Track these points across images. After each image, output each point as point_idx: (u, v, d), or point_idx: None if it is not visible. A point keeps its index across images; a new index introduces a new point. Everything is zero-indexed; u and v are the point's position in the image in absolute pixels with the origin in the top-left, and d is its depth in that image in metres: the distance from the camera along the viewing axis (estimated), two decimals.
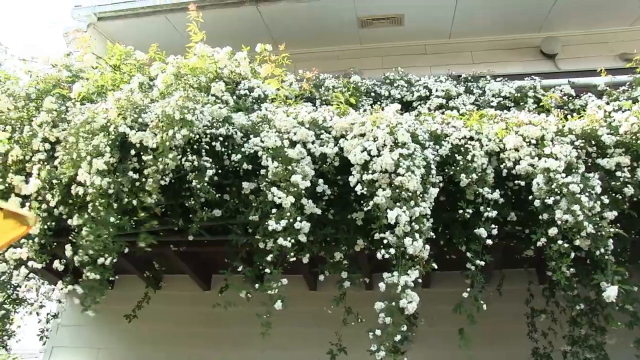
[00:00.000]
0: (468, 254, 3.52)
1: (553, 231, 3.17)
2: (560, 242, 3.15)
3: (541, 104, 4.71)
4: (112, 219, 3.26)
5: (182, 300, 5.60)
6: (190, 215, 3.59)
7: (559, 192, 3.21)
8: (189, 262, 5.15)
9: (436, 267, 3.23)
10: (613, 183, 3.45)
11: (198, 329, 5.51)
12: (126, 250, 3.57)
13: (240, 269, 3.84)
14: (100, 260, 3.23)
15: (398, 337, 3.04)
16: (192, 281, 5.56)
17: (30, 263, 3.47)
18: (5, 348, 4.63)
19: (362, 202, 3.37)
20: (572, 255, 3.15)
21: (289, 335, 5.00)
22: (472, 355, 4.31)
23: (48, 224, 3.57)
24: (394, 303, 3.05)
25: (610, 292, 3.02)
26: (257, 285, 3.43)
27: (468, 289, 3.45)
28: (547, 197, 3.23)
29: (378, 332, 3.09)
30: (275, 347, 5.11)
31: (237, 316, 5.16)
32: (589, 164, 3.55)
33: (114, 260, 3.34)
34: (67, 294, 3.66)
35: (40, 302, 3.90)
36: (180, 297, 5.59)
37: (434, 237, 3.34)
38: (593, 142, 3.62)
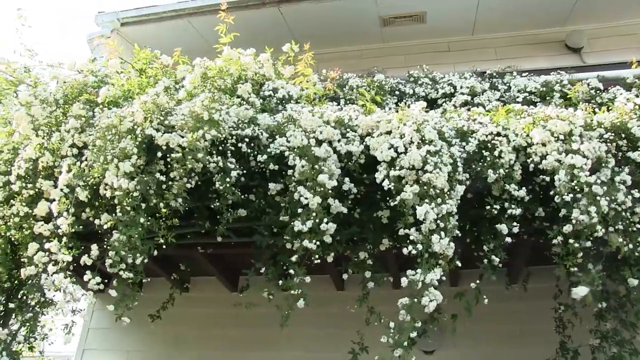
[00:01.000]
0: (484, 248, 3.49)
1: (567, 228, 3.12)
2: (571, 240, 3.11)
3: (568, 96, 4.63)
4: (141, 220, 3.30)
5: (209, 302, 5.65)
6: (218, 217, 3.60)
7: (579, 190, 3.16)
8: (215, 264, 5.19)
9: (460, 265, 3.18)
10: None
11: (225, 331, 5.55)
12: (155, 252, 3.59)
13: (262, 270, 3.84)
14: (130, 260, 3.25)
15: (414, 334, 3.01)
16: (219, 283, 5.61)
17: (60, 261, 3.49)
18: (41, 353, 4.73)
19: (388, 199, 3.35)
20: (579, 255, 3.11)
21: (316, 337, 5.01)
22: (501, 353, 4.29)
23: (76, 227, 3.60)
24: (415, 300, 3.02)
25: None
26: (280, 282, 3.41)
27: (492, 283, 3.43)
28: (567, 194, 3.17)
29: (392, 324, 3.08)
30: (302, 348, 5.15)
31: (264, 317, 5.16)
32: (619, 158, 3.49)
33: (145, 261, 3.37)
34: (96, 297, 3.69)
35: (73, 307, 3.94)
36: (207, 299, 5.63)
37: (459, 235, 3.31)
38: (623, 135, 3.55)
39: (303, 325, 3.40)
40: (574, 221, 3.10)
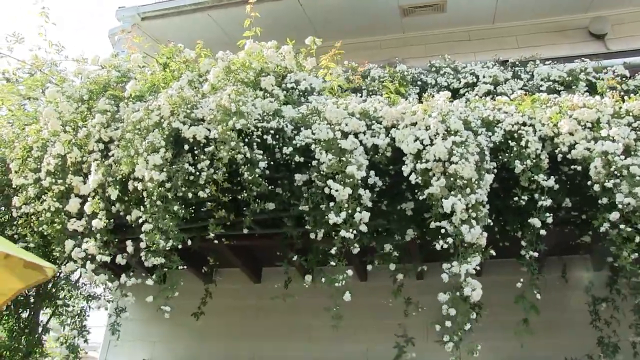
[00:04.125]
0: (522, 243, 3.46)
1: (615, 216, 3.08)
2: (622, 226, 3.07)
3: (597, 90, 4.57)
4: (175, 207, 3.38)
5: (233, 294, 5.69)
6: (244, 209, 3.63)
7: (618, 174, 3.12)
8: (239, 256, 5.23)
9: (494, 254, 3.18)
10: None
11: (249, 322, 5.60)
12: (189, 242, 3.69)
13: (295, 258, 3.86)
14: (162, 245, 3.32)
15: (468, 326, 3.02)
16: (242, 274, 5.65)
17: (98, 258, 3.57)
18: (86, 341, 4.83)
19: (415, 191, 3.35)
20: (637, 239, 3.06)
21: (339, 328, 5.01)
22: (534, 345, 4.26)
23: (108, 221, 3.67)
24: (458, 293, 3.02)
25: None
26: (323, 280, 3.42)
27: (521, 279, 3.42)
28: (607, 181, 3.14)
29: (448, 323, 3.06)
30: (324, 339, 5.15)
31: (287, 308, 5.22)
32: None
33: (179, 246, 3.44)
34: (124, 289, 3.76)
35: (109, 299, 4.00)
36: (231, 291, 5.67)
37: (491, 223, 3.30)
38: None
39: (326, 316, 3.40)
40: (620, 206, 3.06)
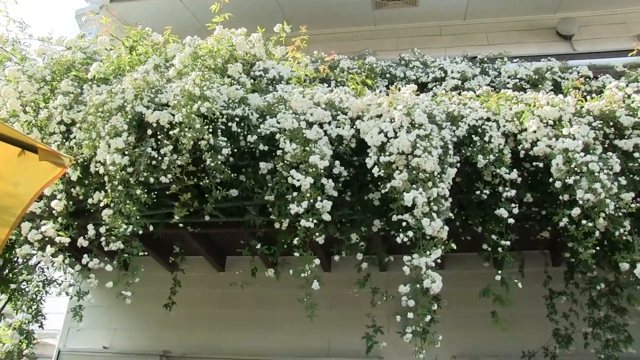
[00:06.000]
0: (492, 236, 3.51)
1: (576, 212, 3.14)
2: (583, 221, 3.13)
3: (561, 88, 4.65)
4: (138, 192, 3.34)
5: (196, 282, 5.64)
6: (206, 196, 3.60)
7: (578, 171, 3.18)
8: (203, 244, 5.19)
9: (455, 247, 3.21)
10: (630, 164, 3.42)
11: (212, 310, 5.58)
12: (151, 228, 3.66)
13: (258, 247, 3.86)
14: (124, 229, 3.28)
15: (428, 318, 3.05)
16: (206, 263, 5.61)
17: (57, 240, 3.50)
18: (41, 326, 4.74)
19: (379, 183, 3.37)
20: (597, 234, 3.13)
21: (303, 316, 5.01)
22: (493, 338, 4.33)
23: (69, 202, 3.60)
24: (418, 285, 3.05)
25: None
26: (291, 271, 3.42)
27: (499, 272, 3.46)
28: (567, 177, 3.20)
29: (410, 315, 3.08)
30: (287, 329, 5.17)
31: (251, 297, 5.23)
32: (606, 146, 3.52)
33: (140, 232, 3.41)
34: (86, 271, 3.70)
35: (70, 282, 3.91)
36: (194, 279, 5.62)
37: (452, 217, 3.34)
38: (611, 124, 3.58)
39: (289, 306, 3.41)
40: (580, 202, 3.12)
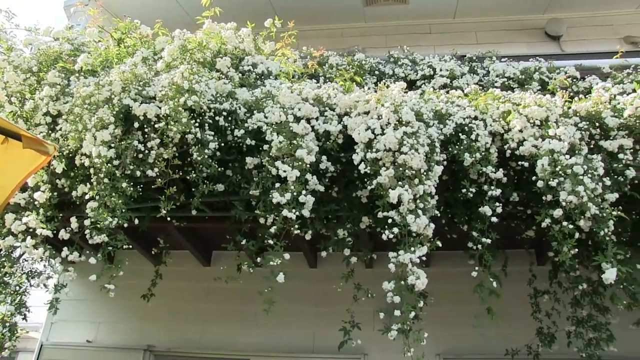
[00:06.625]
0: (474, 233, 3.53)
1: (558, 212, 3.16)
2: (564, 223, 3.16)
3: (548, 87, 4.68)
4: (124, 185, 3.32)
5: (181, 276, 5.64)
6: (192, 190, 3.59)
7: (563, 173, 3.21)
8: (189, 238, 5.18)
9: (440, 245, 3.23)
10: (615, 165, 3.45)
11: (197, 305, 5.56)
12: (136, 221, 3.66)
13: (243, 242, 3.85)
14: (109, 222, 3.26)
15: (412, 314, 3.05)
16: (192, 257, 5.60)
17: (39, 232, 3.48)
18: (24, 318, 4.69)
19: (365, 180, 3.37)
20: (577, 236, 3.16)
21: (288, 312, 5.03)
22: (477, 336, 4.36)
23: (53, 194, 3.58)
24: (402, 282, 3.05)
25: (610, 275, 3.03)
26: (259, 259, 3.42)
27: (476, 268, 3.47)
28: (551, 179, 3.22)
29: (397, 312, 3.09)
30: (271, 324, 5.16)
31: (236, 293, 5.22)
32: (592, 146, 3.55)
33: (125, 225, 3.39)
34: (66, 264, 3.68)
35: (49, 274, 3.89)
36: (180, 273, 5.62)
37: (438, 215, 3.35)
38: (597, 124, 3.61)
39: (275, 302, 3.40)
40: (563, 203, 3.15)
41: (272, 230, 3.26)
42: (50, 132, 3.70)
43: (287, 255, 3.31)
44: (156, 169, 3.41)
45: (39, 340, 5.71)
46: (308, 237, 3.58)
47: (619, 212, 3.20)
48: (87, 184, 3.45)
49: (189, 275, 5.70)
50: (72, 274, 3.46)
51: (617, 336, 3.90)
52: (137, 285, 5.03)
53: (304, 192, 3.20)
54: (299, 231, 3.35)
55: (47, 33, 4.34)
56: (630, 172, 3.37)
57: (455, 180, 3.69)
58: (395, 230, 3.10)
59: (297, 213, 3.18)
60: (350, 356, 4.74)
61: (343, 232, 3.78)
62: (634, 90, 3.80)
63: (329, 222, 3.85)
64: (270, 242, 3.31)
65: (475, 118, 3.65)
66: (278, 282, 3.25)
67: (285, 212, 3.16)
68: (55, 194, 3.64)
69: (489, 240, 3.47)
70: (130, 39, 4.40)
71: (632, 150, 3.47)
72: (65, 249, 3.45)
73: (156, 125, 3.37)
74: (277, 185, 3.25)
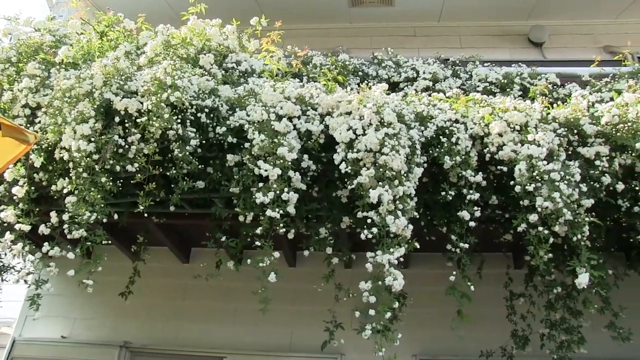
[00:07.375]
0: (452, 237, 3.56)
1: (534, 217, 3.21)
2: (540, 228, 3.20)
3: (529, 95, 4.73)
4: (103, 179, 3.29)
5: (160, 273, 5.60)
6: (172, 186, 3.58)
7: (540, 179, 3.25)
8: (168, 235, 5.15)
9: (418, 246, 3.25)
10: (592, 172, 3.50)
11: (175, 302, 5.54)
12: (116, 216, 3.65)
13: (223, 239, 3.84)
14: (88, 216, 3.24)
15: (388, 315, 3.07)
16: (171, 254, 5.56)
17: (17, 227, 3.44)
18: None
19: (346, 180, 3.38)
20: (551, 240, 3.21)
21: (266, 312, 5.02)
22: (452, 337, 4.39)
23: (31, 188, 3.54)
24: (380, 282, 3.07)
25: (582, 279, 3.08)
26: (249, 261, 3.40)
27: (454, 272, 3.51)
28: (529, 184, 3.27)
29: (372, 312, 3.10)
30: (248, 322, 5.17)
31: (214, 290, 5.20)
32: (570, 152, 3.60)
33: (104, 220, 3.37)
34: (46, 260, 3.63)
35: (28, 269, 3.83)
36: (158, 270, 5.57)
37: (417, 216, 3.37)
38: (575, 131, 3.66)
39: (253, 300, 3.40)
40: (539, 209, 3.19)
41: (258, 231, 3.27)
42: (29, 125, 3.65)
43: (276, 254, 3.33)
44: (136, 164, 3.38)
45: (11, 335, 5.63)
46: (291, 235, 3.58)
47: (593, 218, 3.25)
48: (66, 178, 3.41)
49: (167, 271, 5.66)
50: (53, 269, 3.43)
51: (588, 339, 3.99)
52: (115, 281, 4.96)
53: (286, 189, 3.20)
54: (283, 230, 3.35)
55: (28, 23, 4.28)
56: (606, 179, 3.43)
57: (435, 183, 3.72)
58: (375, 230, 3.12)
59: (281, 211, 3.18)
60: (328, 356, 4.74)
61: (325, 231, 3.79)
62: (612, 99, 3.86)
63: (309, 222, 3.85)
64: (258, 243, 3.31)
65: (456, 121, 3.68)
66: (259, 281, 3.26)
67: (269, 212, 3.16)
68: (34, 188, 3.59)
69: (466, 245, 3.50)
70: (114, 32, 4.36)
71: (608, 157, 3.52)
72: (46, 244, 3.40)
73: (137, 121, 3.35)
74: (260, 184, 3.25)
